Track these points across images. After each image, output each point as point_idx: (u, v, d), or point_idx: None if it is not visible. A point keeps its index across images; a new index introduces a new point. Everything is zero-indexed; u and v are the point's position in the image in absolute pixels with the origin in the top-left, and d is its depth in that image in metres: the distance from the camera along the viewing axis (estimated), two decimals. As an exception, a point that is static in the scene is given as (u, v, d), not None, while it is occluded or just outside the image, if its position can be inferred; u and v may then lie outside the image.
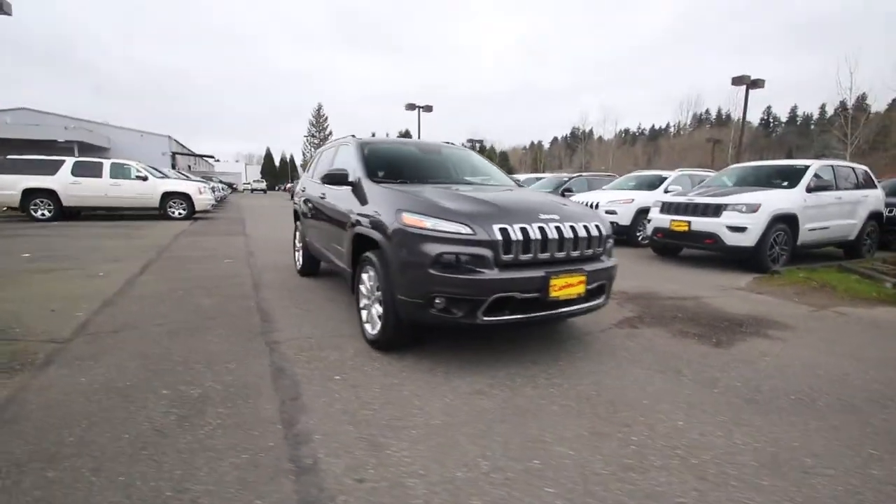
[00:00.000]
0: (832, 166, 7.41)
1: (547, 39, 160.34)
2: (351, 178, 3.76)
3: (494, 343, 3.37)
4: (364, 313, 3.40)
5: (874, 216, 7.65)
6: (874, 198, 7.69)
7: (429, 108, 26.67)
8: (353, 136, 4.53)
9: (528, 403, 2.49)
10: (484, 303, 2.65)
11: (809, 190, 6.79)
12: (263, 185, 58.98)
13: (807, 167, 7.08)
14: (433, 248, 2.67)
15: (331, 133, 66.09)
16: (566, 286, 2.79)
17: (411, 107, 26.47)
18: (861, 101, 43.32)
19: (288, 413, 2.31)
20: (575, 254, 2.93)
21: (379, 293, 3.09)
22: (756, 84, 19.38)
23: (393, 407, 2.41)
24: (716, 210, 6.62)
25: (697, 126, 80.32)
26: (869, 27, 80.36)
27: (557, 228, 2.85)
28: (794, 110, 79.40)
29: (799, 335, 3.79)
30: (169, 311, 4.05)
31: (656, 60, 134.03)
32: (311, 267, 5.55)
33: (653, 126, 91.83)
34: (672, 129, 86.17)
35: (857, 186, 7.55)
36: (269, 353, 3.11)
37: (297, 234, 5.80)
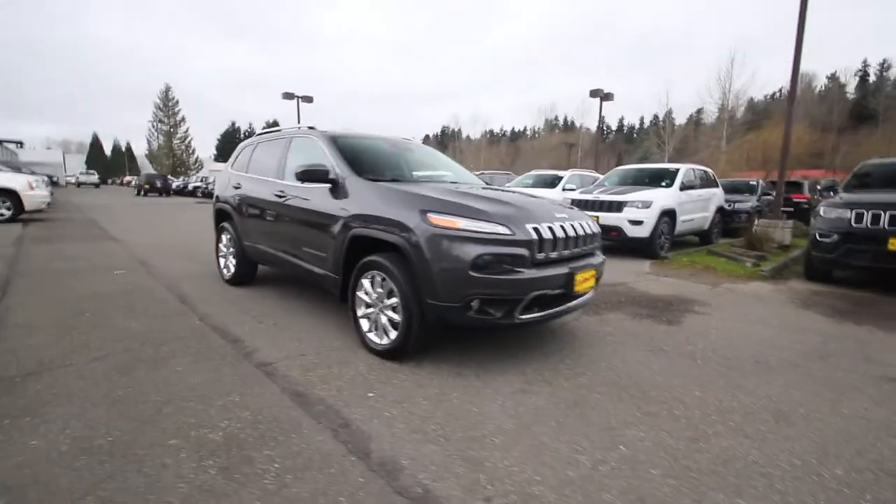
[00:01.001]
0: (692, 169, 9.08)
1: (421, 42, 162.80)
2: (331, 176, 3.43)
3: (496, 341, 3.42)
4: (365, 322, 3.15)
5: (719, 209, 9.59)
6: (719, 195, 9.63)
7: (309, 99, 25.13)
8: (313, 127, 4.11)
9: (573, 395, 2.61)
10: (522, 302, 2.68)
11: (682, 189, 8.21)
12: (95, 178, 49.01)
13: (678, 170, 8.56)
14: (473, 250, 2.60)
15: (183, 119, 57.64)
16: (584, 280, 2.98)
17: (289, 96, 24.63)
18: (668, 115, 53.31)
19: (352, 442, 2.06)
20: (585, 250, 3.14)
21: (394, 299, 2.89)
22: (608, 97, 22.56)
23: (456, 418, 2.31)
24: (619, 206, 7.61)
25: (550, 131, 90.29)
26: (680, 58, 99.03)
27: (572, 227, 3.01)
28: (621, 121, 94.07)
29: (717, 310, 4.60)
30: (92, 340, 3.21)
31: (518, 69, 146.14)
32: (247, 274, 4.89)
33: (513, 129, 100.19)
34: (529, 133, 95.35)
35: (708, 185, 9.36)
36: (269, 378, 2.70)
37: (225, 237, 5.04)
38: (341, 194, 3.37)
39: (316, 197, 3.58)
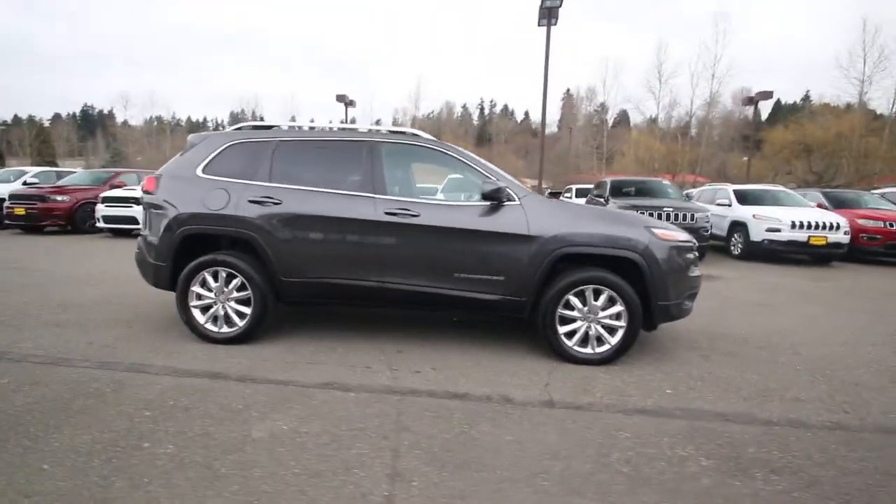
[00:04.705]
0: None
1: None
2: (503, 195, 3.24)
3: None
4: (565, 340, 3.22)
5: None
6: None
7: None
8: (413, 133, 3.51)
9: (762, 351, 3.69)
10: (697, 294, 3.56)
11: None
12: None
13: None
14: (689, 256, 3.29)
15: None
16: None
17: None
18: (352, 122, 59.28)
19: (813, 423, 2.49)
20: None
21: (615, 308, 3.15)
22: (352, 103, 23.67)
23: (739, 382, 2.99)
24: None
25: (234, 123, 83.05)
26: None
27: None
28: (311, 121, 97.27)
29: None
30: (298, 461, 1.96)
31: (209, 58, 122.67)
32: (267, 322, 3.46)
33: (189, 118, 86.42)
34: (211, 126, 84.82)
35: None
36: (596, 413, 2.56)
37: (213, 278, 3.33)
38: (513, 213, 3.24)
39: (471, 216, 3.26)
